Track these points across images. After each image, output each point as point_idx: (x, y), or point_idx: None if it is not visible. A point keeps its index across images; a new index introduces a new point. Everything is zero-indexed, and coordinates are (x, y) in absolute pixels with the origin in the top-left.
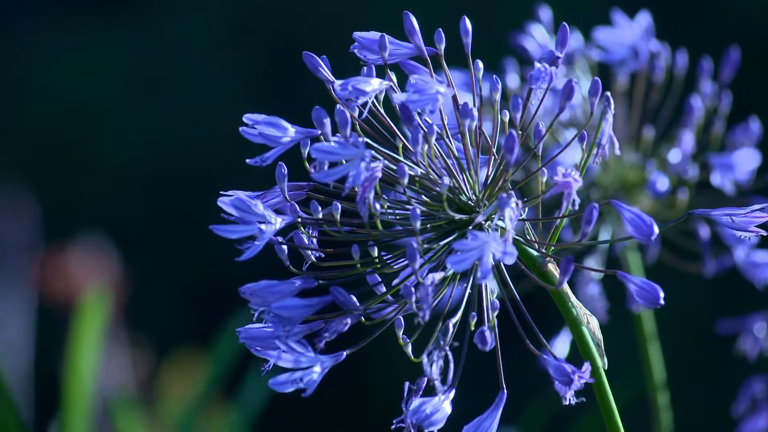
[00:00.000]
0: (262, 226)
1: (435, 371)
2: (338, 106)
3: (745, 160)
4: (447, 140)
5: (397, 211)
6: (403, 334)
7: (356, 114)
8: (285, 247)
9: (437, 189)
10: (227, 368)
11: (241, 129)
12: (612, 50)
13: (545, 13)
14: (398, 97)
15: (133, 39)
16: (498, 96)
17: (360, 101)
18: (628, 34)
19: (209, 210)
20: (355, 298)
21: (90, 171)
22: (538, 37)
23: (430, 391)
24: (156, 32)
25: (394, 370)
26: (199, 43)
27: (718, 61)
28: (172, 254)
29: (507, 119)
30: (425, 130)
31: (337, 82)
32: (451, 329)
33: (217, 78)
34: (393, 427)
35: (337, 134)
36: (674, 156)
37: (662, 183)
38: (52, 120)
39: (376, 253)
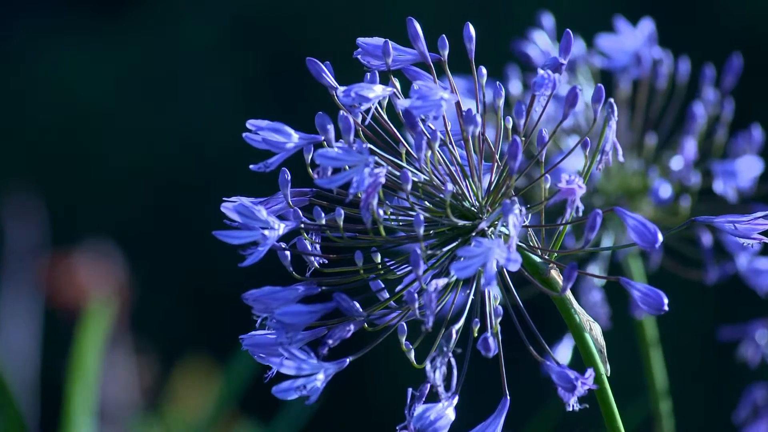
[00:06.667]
0: (265, 232)
1: (438, 378)
2: (342, 112)
3: (748, 168)
4: (450, 147)
5: (400, 218)
6: (405, 340)
7: (360, 120)
8: (288, 253)
9: (440, 195)
10: (242, 383)
11: (244, 135)
12: (614, 57)
13: (548, 20)
14: (402, 103)
15: (134, 44)
16: (501, 102)
17: (363, 107)
18: (631, 41)
19: (213, 215)
20: (358, 305)
21: (95, 176)
22: (540, 43)
23: (433, 398)
24: (157, 37)
25: (395, 374)
26: (200, 48)
27: (720, 68)
28: (177, 260)
29: (510, 126)
30: (429, 136)
31: (340, 89)
32: (454, 335)
33: (219, 83)
34: None
35: (341, 140)
36: (676, 163)
37: (665, 190)
38: (56, 125)
39: (379, 260)
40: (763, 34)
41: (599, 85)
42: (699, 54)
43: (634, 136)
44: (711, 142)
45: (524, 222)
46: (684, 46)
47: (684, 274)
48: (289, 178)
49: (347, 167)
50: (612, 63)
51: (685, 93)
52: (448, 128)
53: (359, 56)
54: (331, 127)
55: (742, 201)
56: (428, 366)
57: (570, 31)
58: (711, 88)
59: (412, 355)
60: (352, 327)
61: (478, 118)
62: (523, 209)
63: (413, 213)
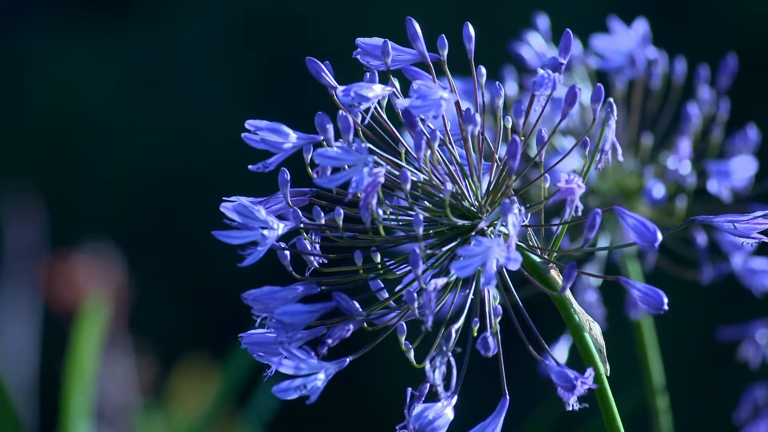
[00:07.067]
0: (265, 232)
1: (437, 377)
2: (341, 111)
3: (742, 168)
4: (450, 146)
5: (399, 217)
6: (405, 339)
7: (359, 119)
8: (288, 252)
9: (440, 195)
10: (241, 379)
11: (243, 135)
12: (609, 58)
13: (542, 21)
14: (401, 102)
15: (134, 44)
16: (501, 102)
17: (363, 107)
18: (625, 41)
19: (212, 215)
20: (357, 304)
21: (95, 176)
22: (535, 45)
23: (432, 397)
24: (157, 37)
25: (395, 374)
26: (199, 48)
27: (715, 68)
28: (177, 259)
29: (510, 125)
30: (428, 135)
31: (340, 88)
32: (453, 335)
33: (219, 82)
34: None
35: (340, 140)
36: (673, 163)
37: (658, 190)
38: (56, 125)
39: (378, 259)
40: (758, 35)
41: (599, 84)
42: (694, 54)
43: (630, 136)
44: (707, 142)
45: (524, 221)
46: (679, 46)
47: (679, 274)
48: (289, 177)
49: (346, 167)
50: (606, 63)
51: (681, 93)
52: (448, 128)
53: (358, 56)
54: (330, 127)
55: (736, 201)
56: (428, 365)
57: (570, 31)
58: (706, 88)
59: (411, 355)
60: (351, 326)
61: (478, 118)
62: (523, 209)
63: (413, 212)
